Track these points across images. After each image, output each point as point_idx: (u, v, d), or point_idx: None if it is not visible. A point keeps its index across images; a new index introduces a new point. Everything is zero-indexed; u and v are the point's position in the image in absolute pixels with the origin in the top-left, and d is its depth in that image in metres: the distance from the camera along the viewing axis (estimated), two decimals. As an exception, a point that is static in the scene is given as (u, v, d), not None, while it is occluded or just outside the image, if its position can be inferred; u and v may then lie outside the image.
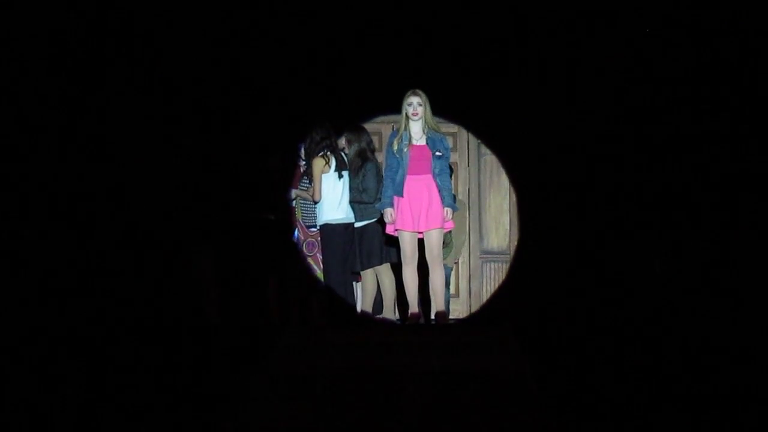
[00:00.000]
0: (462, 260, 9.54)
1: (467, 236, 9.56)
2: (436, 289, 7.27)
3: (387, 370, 5.86)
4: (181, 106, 7.68)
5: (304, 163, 8.13)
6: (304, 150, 8.09)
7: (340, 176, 7.87)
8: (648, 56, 7.29)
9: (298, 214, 8.27)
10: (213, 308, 7.89)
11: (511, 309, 8.74)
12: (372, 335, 6.73)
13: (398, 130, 7.25)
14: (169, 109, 7.51)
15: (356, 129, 8.02)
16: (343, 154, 7.97)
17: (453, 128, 9.51)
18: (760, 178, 6.42)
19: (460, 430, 5.25)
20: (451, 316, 8.74)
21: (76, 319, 6.14)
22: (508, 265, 9.51)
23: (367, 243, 7.79)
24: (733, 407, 5.53)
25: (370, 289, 7.92)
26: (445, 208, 7.16)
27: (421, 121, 7.19)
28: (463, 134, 9.69)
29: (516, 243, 9.48)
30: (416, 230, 7.18)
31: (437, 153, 7.18)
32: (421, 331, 7.15)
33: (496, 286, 9.56)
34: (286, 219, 8.32)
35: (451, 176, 7.48)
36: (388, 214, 7.20)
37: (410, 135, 7.20)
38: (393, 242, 7.51)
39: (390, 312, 7.83)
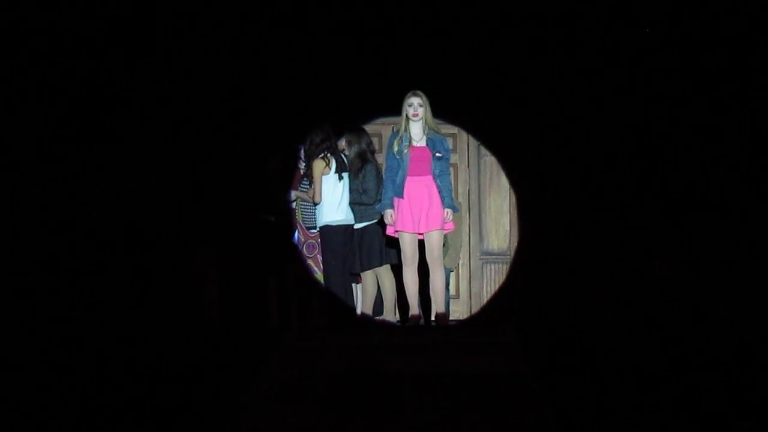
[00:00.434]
0: (462, 261, 9.54)
1: (468, 237, 9.56)
2: (437, 290, 7.27)
3: (387, 371, 5.85)
4: (181, 107, 7.68)
5: (304, 164, 8.14)
6: (305, 152, 8.09)
7: (341, 178, 7.87)
8: (648, 57, 7.29)
9: (299, 216, 8.27)
10: (213, 310, 7.89)
11: (512, 310, 8.74)
12: (372, 337, 6.73)
13: (398, 131, 7.25)
14: (169, 110, 7.51)
15: (356, 130, 8.03)
16: (343, 155, 7.97)
17: (453, 129, 9.51)
18: (759, 178, 6.42)
19: (461, 432, 5.26)
20: (451, 317, 8.74)
21: (77, 319, 6.13)
22: (509, 266, 9.51)
23: (367, 244, 7.79)
24: (733, 408, 5.53)
25: (370, 291, 7.92)
26: (446, 210, 7.16)
27: (421, 122, 7.19)
28: (463, 135, 9.70)
29: (516, 244, 9.48)
30: (416, 231, 7.18)
31: (437, 154, 7.18)
32: (422, 332, 7.15)
33: (497, 287, 9.56)
34: (287, 221, 8.32)
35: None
36: (389, 215, 7.20)
37: (410, 136, 7.20)
38: (393, 243, 7.51)
39: (390, 313, 7.83)
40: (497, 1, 8.06)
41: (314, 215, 8.05)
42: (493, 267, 9.64)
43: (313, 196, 7.90)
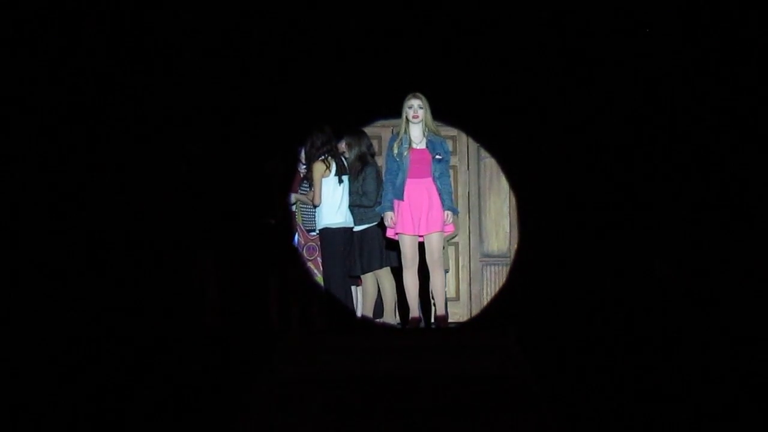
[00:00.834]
0: (462, 263, 9.54)
1: (468, 240, 9.57)
2: (437, 292, 7.27)
3: (387, 374, 5.85)
4: (181, 110, 7.69)
5: (304, 167, 8.13)
6: (305, 154, 8.09)
7: (341, 180, 7.87)
8: (648, 57, 7.29)
9: (299, 218, 8.27)
10: (213, 312, 7.89)
11: (512, 312, 8.73)
12: (372, 339, 6.73)
13: (398, 133, 7.24)
14: (169, 112, 7.52)
15: (356, 133, 8.03)
16: (343, 158, 7.96)
17: (452, 131, 9.50)
18: (759, 177, 6.42)
19: (462, 434, 5.25)
20: (451, 319, 8.73)
21: (77, 320, 6.13)
22: (509, 268, 9.51)
23: (367, 247, 7.79)
24: (733, 408, 5.52)
25: (370, 293, 7.92)
26: (446, 212, 7.16)
27: (421, 124, 7.19)
28: (463, 138, 9.69)
29: (516, 246, 9.47)
30: (416, 234, 7.17)
31: (437, 156, 7.17)
32: (422, 334, 7.15)
33: (497, 289, 9.55)
34: (287, 223, 8.31)
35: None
36: (389, 217, 7.19)
37: (410, 138, 7.20)
38: (393, 246, 7.50)
39: (390, 316, 7.83)
40: (498, 4, 8.07)
41: (314, 218, 8.05)
42: (493, 269, 9.64)
43: (313, 199, 7.90)
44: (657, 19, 7.14)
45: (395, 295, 7.86)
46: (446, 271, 8.73)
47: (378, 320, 7.93)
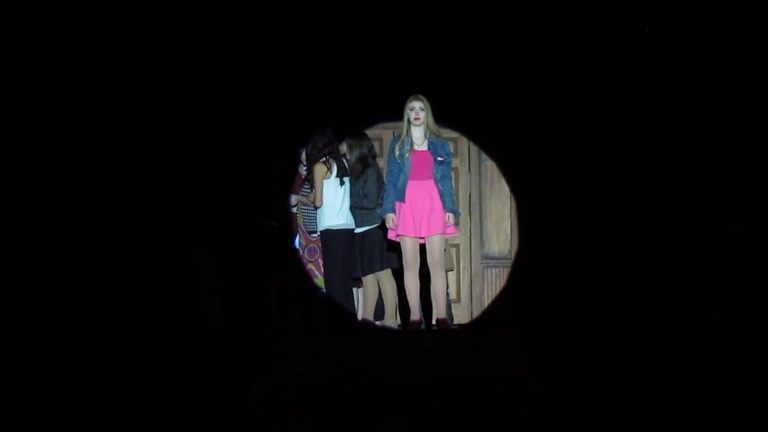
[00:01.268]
0: (463, 265, 9.54)
1: (469, 241, 9.57)
2: (438, 294, 7.27)
3: (388, 376, 5.85)
4: (182, 111, 7.69)
5: (305, 168, 8.13)
6: (306, 155, 8.09)
7: (342, 182, 7.87)
8: (647, 58, 7.29)
9: (300, 220, 8.27)
10: (214, 314, 7.89)
11: (513, 314, 8.73)
12: (373, 341, 6.72)
13: (400, 135, 7.25)
14: (170, 114, 7.52)
15: (358, 135, 8.03)
16: (344, 159, 7.97)
17: (454, 134, 9.50)
18: (759, 177, 6.42)
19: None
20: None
21: (77, 321, 6.13)
22: (510, 270, 9.50)
23: (368, 249, 7.78)
24: (734, 408, 5.52)
25: (371, 295, 7.91)
26: (447, 214, 7.16)
27: (422, 126, 7.19)
28: (464, 140, 9.68)
29: (517, 248, 9.47)
30: (418, 236, 7.17)
31: (439, 158, 7.17)
32: (423, 336, 7.14)
33: (498, 291, 9.55)
34: (288, 225, 8.32)
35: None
36: (390, 219, 7.19)
37: (412, 140, 7.20)
38: (394, 248, 7.50)
39: (391, 318, 7.82)
40: (498, 6, 8.07)
41: (315, 219, 8.05)
42: (494, 271, 9.63)
43: (314, 200, 7.90)
44: (657, 19, 7.14)
45: (396, 297, 7.86)
46: (450, 270, 8.74)
47: (379, 322, 7.93)
